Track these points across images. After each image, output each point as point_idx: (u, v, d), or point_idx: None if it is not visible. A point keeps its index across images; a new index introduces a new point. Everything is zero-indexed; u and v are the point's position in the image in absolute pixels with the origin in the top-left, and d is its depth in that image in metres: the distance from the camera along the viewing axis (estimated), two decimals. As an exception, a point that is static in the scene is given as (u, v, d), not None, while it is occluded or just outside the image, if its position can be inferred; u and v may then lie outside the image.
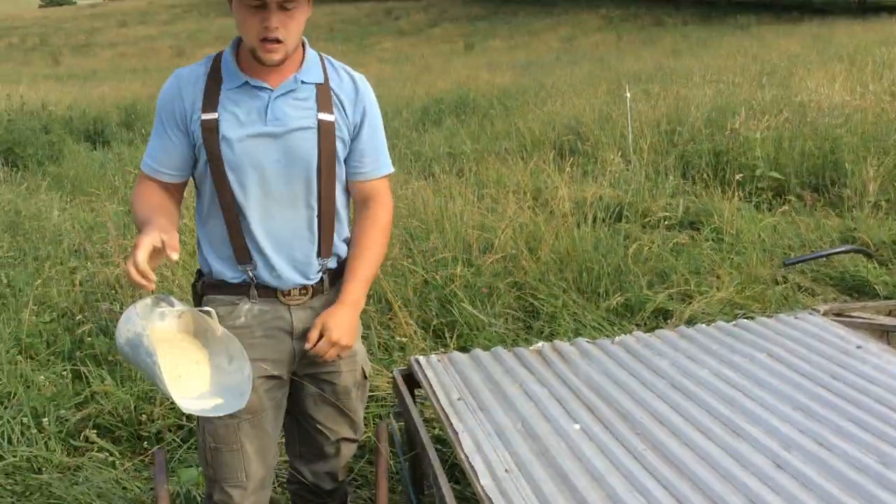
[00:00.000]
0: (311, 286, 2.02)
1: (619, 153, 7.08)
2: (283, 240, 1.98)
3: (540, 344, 2.54)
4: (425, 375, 2.33)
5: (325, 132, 1.94)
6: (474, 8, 52.62)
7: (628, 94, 8.04)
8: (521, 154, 7.45)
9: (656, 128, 7.93)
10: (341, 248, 2.07)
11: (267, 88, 1.91)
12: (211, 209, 1.99)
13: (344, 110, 1.98)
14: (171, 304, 1.86)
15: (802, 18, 30.72)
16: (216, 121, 1.90)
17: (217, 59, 1.97)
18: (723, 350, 2.39)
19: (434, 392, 2.21)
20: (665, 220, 4.99)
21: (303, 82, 1.94)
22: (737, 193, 5.62)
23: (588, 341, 2.57)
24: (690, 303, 3.95)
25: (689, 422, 1.96)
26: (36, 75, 29.08)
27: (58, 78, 27.87)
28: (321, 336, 1.92)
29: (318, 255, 2.01)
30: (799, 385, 2.09)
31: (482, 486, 1.72)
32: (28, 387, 3.48)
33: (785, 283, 4.29)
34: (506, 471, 1.78)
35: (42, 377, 3.53)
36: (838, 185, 6.01)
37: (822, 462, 1.73)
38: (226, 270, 2.00)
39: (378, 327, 3.77)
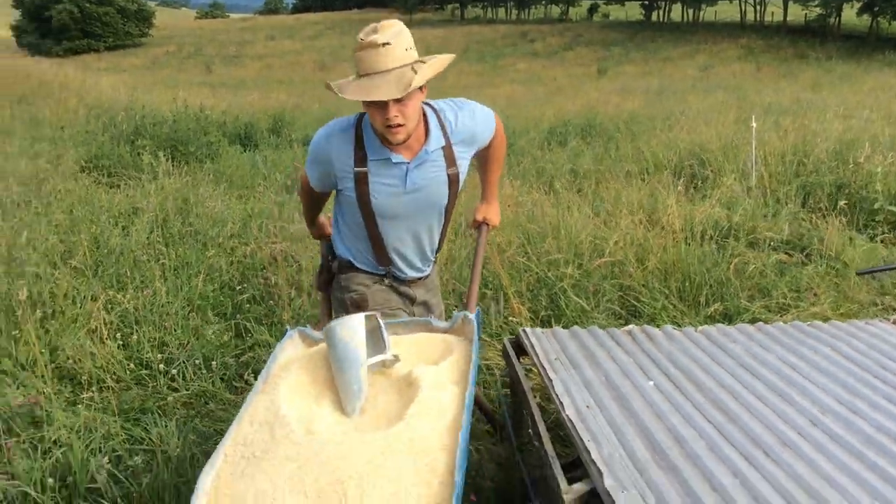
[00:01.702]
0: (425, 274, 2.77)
1: (739, 179, 7.30)
2: (413, 256, 2.66)
3: (631, 326, 2.96)
4: (530, 342, 2.79)
5: (453, 182, 2.50)
6: (611, 32, 52.56)
7: (754, 124, 8.23)
8: (643, 176, 7.76)
9: (781, 158, 8.07)
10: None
11: (405, 162, 2.39)
12: (356, 229, 2.58)
13: (465, 149, 2.53)
14: (381, 332, 2.13)
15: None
16: (366, 174, 2.40)
17: (359, 127, 2.42)
18: (792, 342, 2.74)
19: (536, 352, 2.66)
20: (771, 242, 5.24)
21: (431, 151, 2.42)
22: (854, 224, 5.78)
23: (674, 328, 2.96)
24: (785, 315, 4.23)
25: (746, 387, 2.34)
26: (190, 82, 31.29)
27: (210, 85, 29.86)
28: (481, 223, 2.93)
29: (435, 254, 2.75)
30: (847, 369, 2.44)
31: (567, 415, 2.16)
32: (198, 338, 4.16)
33: (882, 305, 4.49)
34: (587, 407, 2.22)
35: (210, 331, 4.20)
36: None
37: (851, 423, 2.09)
38: (366, 266, 2.66)
39: (494, 313, 4.25)
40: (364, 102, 2.22)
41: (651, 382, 2.39)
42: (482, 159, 2.80)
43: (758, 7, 52.45)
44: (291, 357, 2.21)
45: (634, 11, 66.39)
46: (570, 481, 1.93)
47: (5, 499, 2.66)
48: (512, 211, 5.84)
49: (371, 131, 2.38)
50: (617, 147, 10.49)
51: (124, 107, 12.84)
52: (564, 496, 1.85)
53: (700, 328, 2.95)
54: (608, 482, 1.80)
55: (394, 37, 2.15)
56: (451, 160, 2.46)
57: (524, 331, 2.91)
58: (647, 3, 62.42)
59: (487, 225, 2.94)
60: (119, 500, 2.70)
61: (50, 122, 12.08)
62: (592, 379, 2.43)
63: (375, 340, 2.11)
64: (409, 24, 2.32)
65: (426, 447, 1.75)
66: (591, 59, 42.42)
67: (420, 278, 2.75)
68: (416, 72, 2.17)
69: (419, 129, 2.38)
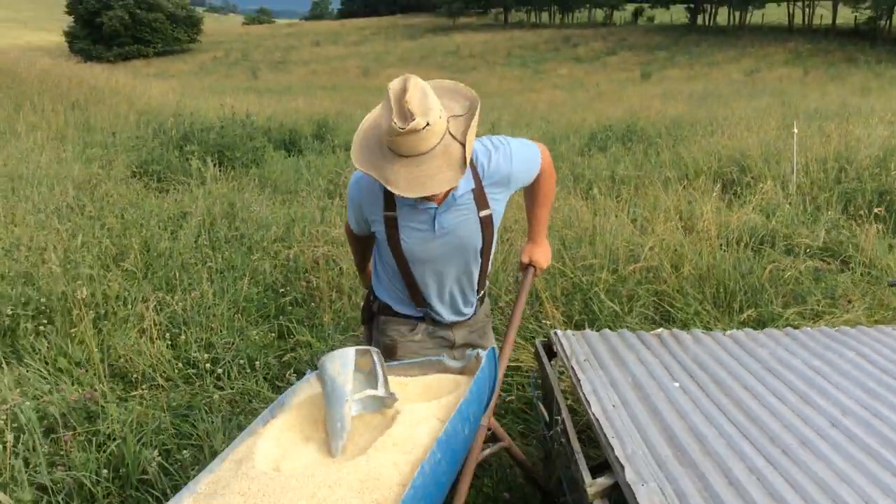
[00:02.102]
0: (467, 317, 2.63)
1: (779, 186, 7.30)
2: (451, 299, 2.52)
3: (660, 330, 3.03)
4: (560, 343, 2.89)
5: (486, 224, 2.34)
6: (655, 37, 52.27)
7: (795, 130, 8.21)
8: (682, 183, 7.78)
9: (822, 165, 8.03)
10: (486, 283, 2.65)
11: (432, 207, 2.26)
12: (391, 272, 2.48)
13: (499, 191, 2.35)
14: (375, 370, 2.01)
15: None
16: (396, 218, 2.29)
17: None
18: (818, 347, 2.80)
19: (565, 353, 2.76)
20: (807, 249, 5.26)
21: (459, 196, 2.26)
22: (893, 231, 5.76)
23: (703, 332, 3.03)
24: (818, 322, 4.25)
25: (769, 389, 2.41)
26: (237, 88, 31.83)
27: (256, 91, 30.35)
28: (528, 266, 2.72)
29: (477, 294, 2.58)
30: (870, 373, 2.50)
31: (593, 413, 2.26)
32: (243, 339, 4.32)
33: (917, 313, 4.49)
34: (613, 406, 2.32)
35: (254, 332, 4.36)
36: None
37: (870, 424, 2.15)
38: (402, 308, 2.54)
39: (528, 317, 4.34)
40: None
41: (676, 384, 2.47)
42: (528, 194, 2.64)
43: (806, 10, 51.73)
44: (303, 401, 2.10)
45: (679, 15, 65.92)
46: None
47: (63, 489, 2.83)
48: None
49: None
50: (658, 153, 10.49)
51: (173, 113, 13.17)
52: (588, 489, 1.95)
53: (728, 332, 3.01)
54: (629, 476, 1.89)
55: (429, 111, 1.97)
56: (482, 203, 2.31)
57: (555, 333, 3.01)
58: (692, 6, 61.90)
59: (534, 268, 2.73)
60: (168, 491, 2.85)
61: (102, 127, 12.45)
62: (619, 379, 2.52)
63: (386, 377, 2.02)
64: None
65: (381, 482, 1.69)
66: (634, 63, 42.25)
67: (462, 321, 2.62)
68: (454, 136, 2.05)
69: None
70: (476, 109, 2.09)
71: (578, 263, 4.85)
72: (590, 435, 3.03)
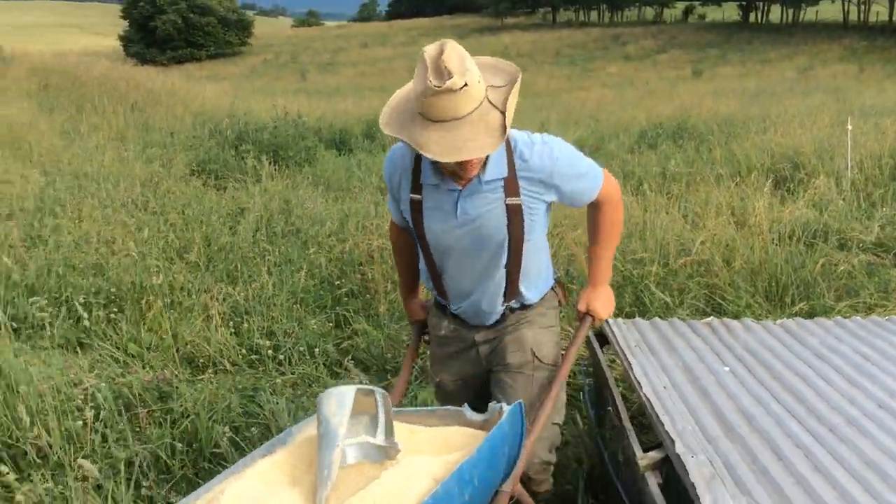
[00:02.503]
0: (492, 325, 2.38)
1: (832, 181, 7.24)
2: (474, 298, 2.30)
3: (711, 318, 3.10)
4: (612, 330, 2.97)
5: (513, 213, 2.11)
6: (706, 34, 51.61)
7: (849, 126, 8.13)
8: (735, 179, 7.75)
9: (877, 161, 7.94)
10: (528, 295, 2.33)
11: (456, 189, 2.11)
12: (421, 256, 2.36)
13: (536, 190, 2.13)
14: (378, 413, 1.81)
15: None
16: (420, 201, 2.18)
17: None
18: (867, 335, 2.85)
19: (617, 340, 2.85)
20: (860, 243, 5.24)
21: (486, 181, 2.08)
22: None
23: (753, 320, 3.09)
24: (870, 314, 4.26)
25: (818, 373, 2.47)
26: (286, 89, 32.32)
27: (306, 92, 30.79)
28: (585, 315, 2.41)
29: (504, 303, 2.31)
30: (921, 359, 2.54)
31: (644, 394, 2.35)
32: (302, 328, 4.48)
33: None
34: (664, 387, 2.40)
35: (312, 321, 4.53)
36: None
37: (918, 406, 2.20)
38: (436, 295, 2.45)
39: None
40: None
41: (726, 368, 2.55)
42: (589, 228, 2.39)
43: (862, 6, 50.59)
44: (307, 438, 1.90)
45: (731, 12, 64.95)
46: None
47: (140, 461, 3.01)
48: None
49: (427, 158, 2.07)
50: (709, 150, 10.44)
51: (227, 114, 13.52)
52: (639, 462, 2.04)
53: (779, 321, 3.07)
54: (679, 448, 1.98)
55: (467, 72, 1.83)
56: (512, 190, 2.10)
57: (607, 321, 3.09)
58: (744, 3, 60.99)
59: (592, 318, 2.42)
60: (238, 464, 3.02)
61: (160, 128, 12.83)
62: (670, 364, 2.61)
63: (390, 422, 1.81)
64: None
65: None
66: (685, 61, 41.80)
67: (489, 326, 2.39)
68: (494, 105, 1.90)
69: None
70: (517, 80, 1.95)
71: (629, 257, 4.92)
72: (641, 422, 3.11)
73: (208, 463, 3.03)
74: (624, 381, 3.41)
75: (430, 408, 2.05)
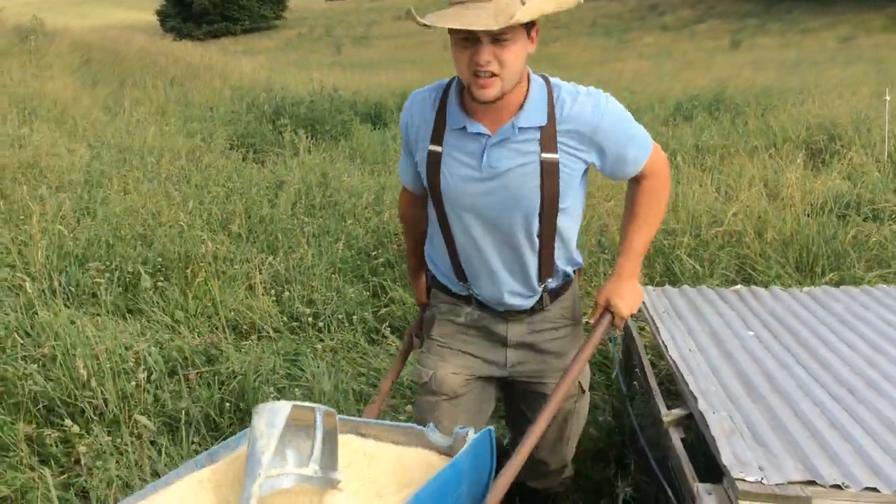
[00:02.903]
0: (529, 308, 2.08)
1: (869, 154, 7.21)
2: (500, 272, 2.00)
3: (739, 286, 3.19)
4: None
5: (549, 172, 1.87)
6: (745, 4, 50.61)
7: (888, 97, 8.04)
8: (769, 151, 7.73)
9: (918, 132, 7.86)
10: (564, 270, 2.09)
11: (484, 134, 1.87)
12: (434, 228, 2.08)
13: (575, 146, 1.89)
14: (315, 436, 1.52)
15: None
16: (440, 154, 1.93)
17: (447, 91, 1.96)
18: (894, 303, 2.91)
19: (645, 306, 2.95)
20: (892, 215, 5.25)
21: (521, 128, 1.85)
22: None
23: (781, 288, 3.17)
24: (900, 284, 4.30)
25: (841, 338, 2.56)
26: (321, 63, 32.38)
27: (340, 66, 30.84)
28: (605, 310, 2.04)
29: (539, 280, 2.03)
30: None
31: (670, 356, 2.45)
32: (340, 296, 4.63)
33: None
34: (689, 350, 2.50)
35: (350, 290, 4.68)
36: None
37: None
38: (447, 283, 2.13)
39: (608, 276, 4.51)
40: (452, 41, 1.76)
41: (751, 333, 2.64)
42: (626, 204, 2.10)
43: (908, -28, 49.17)
44: (237, 456, 1.64)
45: (771, -19, 63.52)
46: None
47: (189, 419, 3.19)
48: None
49: (455, 96, 1.92)
50: (745, 122, 10.38)
51: (264, 88, 13.68)
52: (664, 418, 2.15)
53: (805, 289, 3.14)
54: (701, 405, 2.09)
55: None
56: (549, 145, 1.86)
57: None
58: (785, -29, 59.62)
59: (611, 314, 2.05)
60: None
61: (199, 102, 13.04)
62: (697, 329, 2.70)
63: (331, 447, 1.54)
64: None
65: None
66: (723, 31, 41.06)
67: (521, 311, 2.08)
68: (524, 2, 1.70)
69: (516, 94, 1.84)
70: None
71: (660, 229, 4.98)
72: (668, 388, 3.21)
73: (255, 421, 3.20)
74: (653, 349, 3.52)
75: (400, 424, 1.77)
